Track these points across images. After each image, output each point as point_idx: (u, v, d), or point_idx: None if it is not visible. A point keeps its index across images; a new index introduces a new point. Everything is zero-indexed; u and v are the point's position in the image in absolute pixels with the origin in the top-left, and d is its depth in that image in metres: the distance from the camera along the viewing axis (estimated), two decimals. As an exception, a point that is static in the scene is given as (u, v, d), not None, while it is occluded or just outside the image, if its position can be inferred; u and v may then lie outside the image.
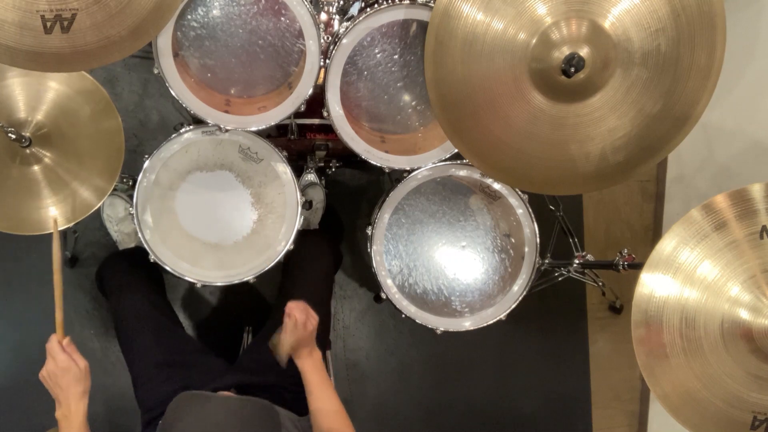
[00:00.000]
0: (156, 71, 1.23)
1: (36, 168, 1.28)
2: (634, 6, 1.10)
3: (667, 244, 1.13)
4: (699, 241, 1.12)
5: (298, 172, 1.78)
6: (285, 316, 1.21)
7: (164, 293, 1.60)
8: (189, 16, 1.29)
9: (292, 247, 1.45)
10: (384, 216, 1.48)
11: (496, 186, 1.48)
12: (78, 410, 1.10)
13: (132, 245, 1.79)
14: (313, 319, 1.26)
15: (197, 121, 1.36)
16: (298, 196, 1.44)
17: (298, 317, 1.18)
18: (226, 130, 1.32)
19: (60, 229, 1.28)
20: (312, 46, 1.25)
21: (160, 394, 1.27)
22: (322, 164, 1.83)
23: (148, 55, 1.23)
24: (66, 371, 1.10)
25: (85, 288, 1.88)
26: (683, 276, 1.13)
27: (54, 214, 1.29)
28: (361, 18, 1.25)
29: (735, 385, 1.13)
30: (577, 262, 1.64)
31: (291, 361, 1.28)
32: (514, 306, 1.50)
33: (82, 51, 1.02)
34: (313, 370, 1.22)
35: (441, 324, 1.49)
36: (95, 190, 1.31)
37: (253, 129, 1.33)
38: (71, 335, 1.16)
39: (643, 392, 2.29)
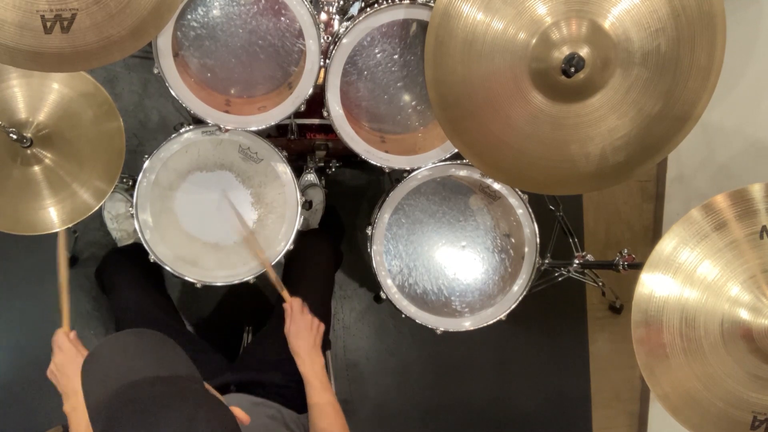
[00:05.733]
0: (156, 71, 1.23)
1: (36, 168, 1.28)
2: (634, 6, 1.10)
3: (667, 244, 1.13)
4: (699, 241, 1.12)
5: (298, 172, 1.78)
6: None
7: (164, 290, 1.61)
8: (189, 16, 1.29)
9: (292, 247, 1.45)
10: (384, 216, 1.48)
11: (496, 186, 1.48)
12: None
13: (130, 242, 1.79)
14: (320, 325, 1.29)
15: (197, 121, 1.36)
16: (298, 196, 1.44)
17: (294, 306, 1.28)
18: (226, 130, 1.32)
19: (58, 230, 1.29)
20: (312, 46, 1.25)
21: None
22: (322, 164, 1.83)
23: (148, 55, 1.23)
24: (73, 360, 1.11)
25: (85, 288, 1.88)
26: (683, 276, 1.13)
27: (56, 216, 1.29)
28: (361, 18, 1.25)
29: (735, 385, 1.13)
30: (577, 262, 1.64)
31: (290, 359, 1.29)
32: (514, 306, 1.50)
33: (82, 51, 1.02)
34: (313, 381, 1.21)
35: (441, 324, 1.49)
36: (95, 191, 1.31)
37: (253, 129, 1.33)
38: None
39: (643, 392, 2.29)
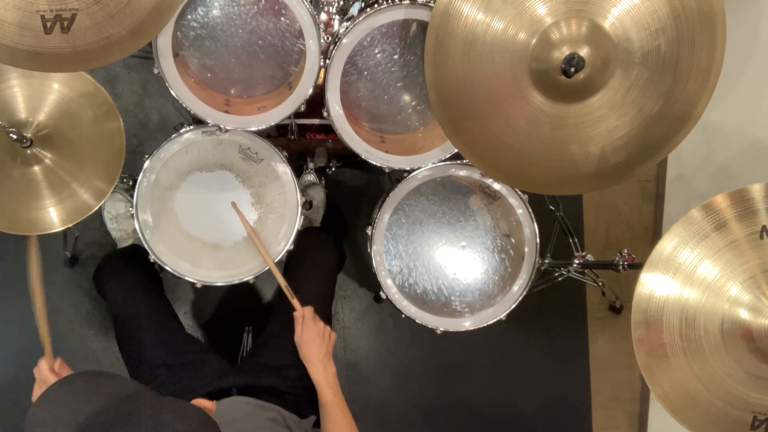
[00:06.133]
0: (156, 71, 1.23)
1: (36, 168, 1.28)
2: (634, 6, 1.10)
3: (667, 244, 1.13)
4: (699, 241, 1.12)
5: (298, 172, 1.78)
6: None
7: (162, 292, 1.60)
8: (189, 16, 1.29)
9: (292, 247, 1.45)
10: (384, 216, 1.48)
11: (496, 186, 1.48)
12: None
13: (130, 242, 1.79)
14: (332, 334, 1.29)
15: (197, 121, 1.36)
16: (298, 196, 1.44)
17: (306, 315, 1.27)
18: (226, 130, 1.32)
19: (58, 230, 1.29)
20: (312, 46, 1.25)
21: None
22: (322, 164, 1.83)
23: (148, 55, 1.23)
24: None
25: (85, 288, 1.88)
26: (683, 276, 1.13)
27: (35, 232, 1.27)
28: (361, 18, 1.25)
29: (735, 385, 1.13)
30: (577, 262, 1.64)
31: (293, 365, 1.29)
32: (514, 306, 1.50)
33: (82, 51, 1.02)
34: (326, 389, 1.20)
35: (441, 324, 1.49)
36: (95, 191, 1.31)
37: (253, 129, 1.33)
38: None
39: (643, 392, 2.29)
